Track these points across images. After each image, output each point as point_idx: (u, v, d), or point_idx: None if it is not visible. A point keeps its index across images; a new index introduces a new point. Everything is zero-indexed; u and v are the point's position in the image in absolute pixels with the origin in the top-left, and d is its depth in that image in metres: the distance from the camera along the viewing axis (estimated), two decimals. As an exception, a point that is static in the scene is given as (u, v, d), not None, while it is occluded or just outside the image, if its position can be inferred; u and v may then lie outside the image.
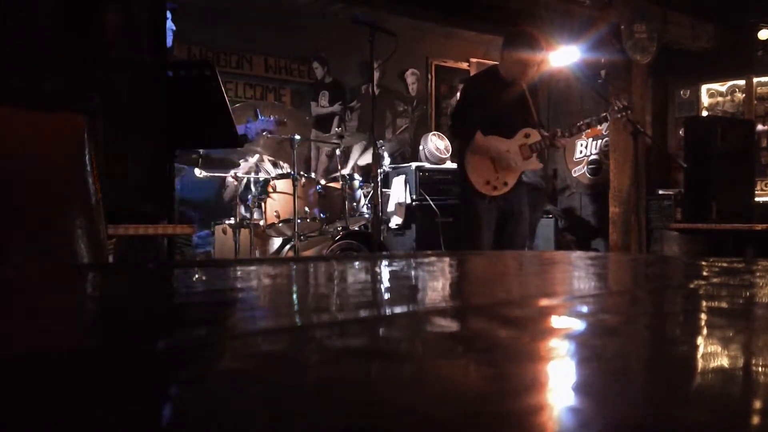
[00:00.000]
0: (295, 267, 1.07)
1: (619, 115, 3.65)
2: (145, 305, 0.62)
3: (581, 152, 7.03)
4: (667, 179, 6.56)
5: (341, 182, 4.28)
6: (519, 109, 3.43)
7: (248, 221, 4.27)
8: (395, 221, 4.99)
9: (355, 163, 5.66)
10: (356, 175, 4.66)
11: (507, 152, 3.39)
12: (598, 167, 6.83)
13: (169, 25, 3.49)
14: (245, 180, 4.41)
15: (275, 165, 4.58)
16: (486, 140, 3.40)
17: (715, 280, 0.84)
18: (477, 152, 3.43)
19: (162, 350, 0.40)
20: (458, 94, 4.93)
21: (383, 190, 4.73)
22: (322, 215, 4.18)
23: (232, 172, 4.32)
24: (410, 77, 6.69)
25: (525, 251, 3.51)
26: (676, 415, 0.26)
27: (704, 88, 6.72)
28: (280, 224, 4.09)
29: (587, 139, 6.99)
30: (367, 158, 5.47)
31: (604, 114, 3.64)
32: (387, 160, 4.78)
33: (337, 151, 4.60)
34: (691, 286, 0.79)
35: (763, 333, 0.48)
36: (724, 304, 0.62)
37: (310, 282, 0.88)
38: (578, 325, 0.49)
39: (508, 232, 3.51)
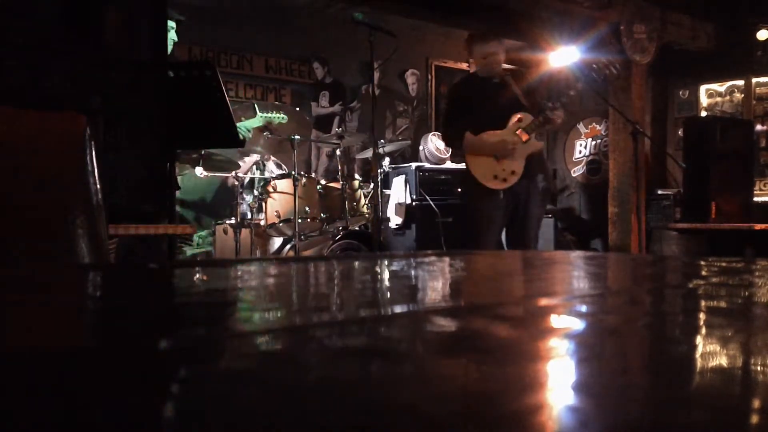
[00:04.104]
0: (295, 267, 1.07)
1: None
2: (145, 305, 0.62)
3: (580, 152, 7.04)
4: (666, 179, 6.57)
5: (341, 182, 4.28)
6: (506, 99, 3.45)
7: (249, 221, 4.28)
8: (395, 221, 4.99)
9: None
10: (356, 175, 4.66)
11: (503, 141, 3.39)
12: (597, 167, 6.83)
13: (171, 35, 3.49)
14: (247, 180, 4.42)
15: (278, 166, 4.59)
16: (478, 138, 3.42)
17: (714, 279, 0.84)
18: (474, 152, 3.45)
19: (162, 350, 0.40)
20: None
21: (383, 190, 4.73)
22: (322, 215, 4.18)
23: (233, 173, 4.32)
24: (410, 77, 6.69)
25: (524, 251, 3.51)
26: (676, 415, 0.26)
27: (703, 88, 6.72)
28: (281, 224, 4.10)
29: (586, 139, 6.99)
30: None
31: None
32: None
33: (338, 151, 4.60)
34: (691, 286, 0.79)
35: (762, 333, 0.48)
36: (723, 304, 0.62)
37: (310, 282, 0.88)
38: (578, 325, 0.49)
39: (516, 228, 3.51)
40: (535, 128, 3.42)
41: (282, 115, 4.30)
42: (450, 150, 5.36)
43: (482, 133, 3.42)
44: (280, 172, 4.46)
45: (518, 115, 3.45)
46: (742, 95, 6.48)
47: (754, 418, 0.26)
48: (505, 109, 3.46)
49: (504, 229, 3.63)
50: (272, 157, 4.70)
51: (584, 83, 5.59)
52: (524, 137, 3.41)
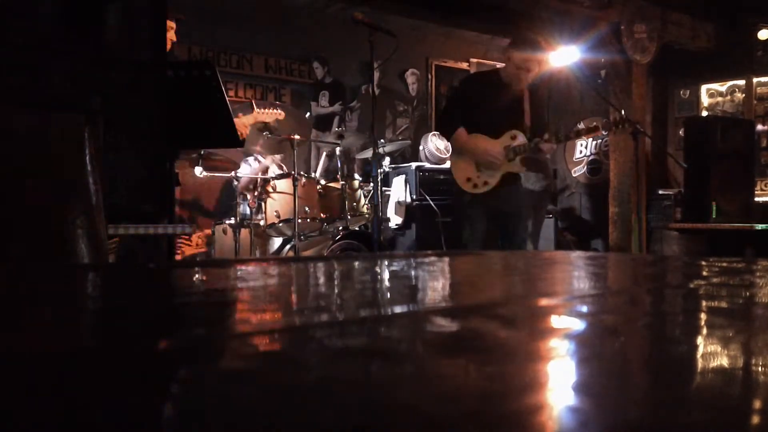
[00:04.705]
0: (295, 267, 1.07)
1: (614, 128, 3.67)
2: (145, 305, 0.62)
3: (581, 152, 7.03)
4: (666, 179, 6.57)
5: (341, 182, 4.28)
6: (510, 111, 3.44)
7: (248, 221, 4.27)
8: (395, 221, 4.99)
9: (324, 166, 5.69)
10: (356, 175, 4.66)
11: (488, 152, 3.39)
12: (598, 167, 6.83)
13: (170, 35, 3.49)
14: (247, 180, 4.42)
15: (279, 167, 4.60)
16: (469, 138, 3.42)
17: (715, 280, 0.84)
18: (461, 150, 3.47)
19: (162, 350, 0.40)
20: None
21: (383, 189, 4.73)
22: (322, 215, 4.18)
23: (233, 173, 4.32)
24: (410, 77, 6.69)
25: (525, 251, 3.51)
26: (676, 415, 0.26)
27: (704, 88, 6.71)
28: (281, 224, 4.09)
29: (587, 139, 6.99)
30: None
31: (595, 124, 3.66)
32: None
33: (337, 151, 4.60)
34: (691, 286, 0.79)
35: (763, 333, 0.48)
36: (724, 304, 0.62)
37: (310, 282, 0.88)
38: (578, 325, 0.49)
39: (506, 235, 3.52)
40: (523, 152, 3.41)
41: (278, 111, 4.30)
42: (449, 150, 5.36)
43: (475, 134, 3.41)
44: (280, 172, 4.46)
45: (513, 133, 3.43)
46: (743, 95, 6.47)
47: (754, 418, 0.26)
48: (504, 117, 3.44)
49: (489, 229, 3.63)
50: (273, 161, 4.70)
51: (585, 83, 5.60)
52: (510, 156, 3.40)
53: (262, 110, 4.17)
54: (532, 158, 3.73)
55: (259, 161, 4.56)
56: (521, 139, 3.42)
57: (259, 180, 4.28)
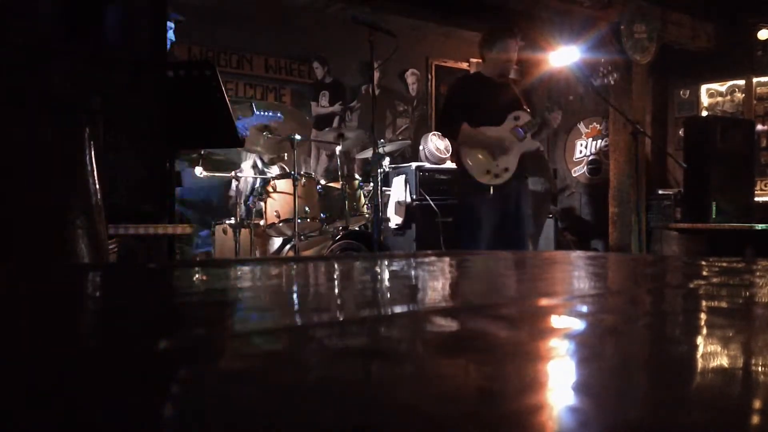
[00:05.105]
0: (295, 267, 1.07)
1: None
2: (145, 305, 0.62)
3: (581, 152, 7.03)
4: (666, 179, 6.57)
5: (341, 182, 4.28)
6: (506, 98, 3.47)
7: (248, 221, 4.27)
8: (395, 221, 4.99)
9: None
10: (356, 175, 4.66)
11: (500, 138, 3.41)
12: (598, 167, 6.83)
13: (169, 35, 3.49)
14: (248, 180, 4.42)
15: (272, 162, 4.60)
16: (475, 131, 3.42)
17: (715, 280, 0.84)
18: (470, 144, 3.45)
19: (162, 350, 0.40)
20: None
21: (383, 189, 4.73)
22: (322, 215, 4.18)
23: (233, 173, 4.32)
24: (410, 77, 6.69)
25: (525, 251, 3.50)
26: (676, 415, 0.26)
27: (704, 88, 6.71)
28: (281, 224, 4.09)
29: (587, 138, 6.99)
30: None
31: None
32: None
33: (338, 150, 4.60)
34: (691, 286, 0.79)
35: (763, 333, 0.48)
36: (724, 304, 0.62)
37: (310, 282, 0.88)
38: (578, 325, 0.49)
39: (508, 229, 3.50)
40: (531, 128, 3.43)
41: (278, 114, 4.30)
42: (449, 150, 5.36)
43: (480, 127, 3.43)
44: (279, 172, 4.46)
45: (515, 113, 3.46)
46: (743, 95, 6.47)
47: (754, 418, 0.26)
48: (504, 108, 3.48)
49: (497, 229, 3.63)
50: (261, 158, 4.71)
51: (584, 83, 5.60)
52: (521, 135, 3.42)
53: (262, 112, 4.18)
54: (534, 158, 3.74)
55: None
56: (525, 116, 3.44)
57: (258, 179, 4.28)
